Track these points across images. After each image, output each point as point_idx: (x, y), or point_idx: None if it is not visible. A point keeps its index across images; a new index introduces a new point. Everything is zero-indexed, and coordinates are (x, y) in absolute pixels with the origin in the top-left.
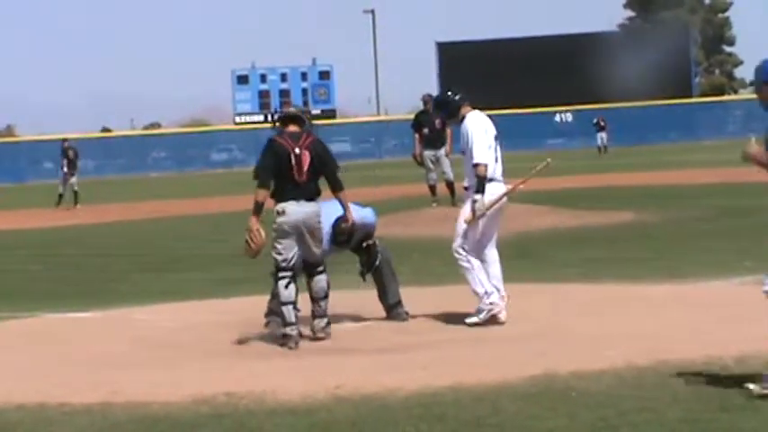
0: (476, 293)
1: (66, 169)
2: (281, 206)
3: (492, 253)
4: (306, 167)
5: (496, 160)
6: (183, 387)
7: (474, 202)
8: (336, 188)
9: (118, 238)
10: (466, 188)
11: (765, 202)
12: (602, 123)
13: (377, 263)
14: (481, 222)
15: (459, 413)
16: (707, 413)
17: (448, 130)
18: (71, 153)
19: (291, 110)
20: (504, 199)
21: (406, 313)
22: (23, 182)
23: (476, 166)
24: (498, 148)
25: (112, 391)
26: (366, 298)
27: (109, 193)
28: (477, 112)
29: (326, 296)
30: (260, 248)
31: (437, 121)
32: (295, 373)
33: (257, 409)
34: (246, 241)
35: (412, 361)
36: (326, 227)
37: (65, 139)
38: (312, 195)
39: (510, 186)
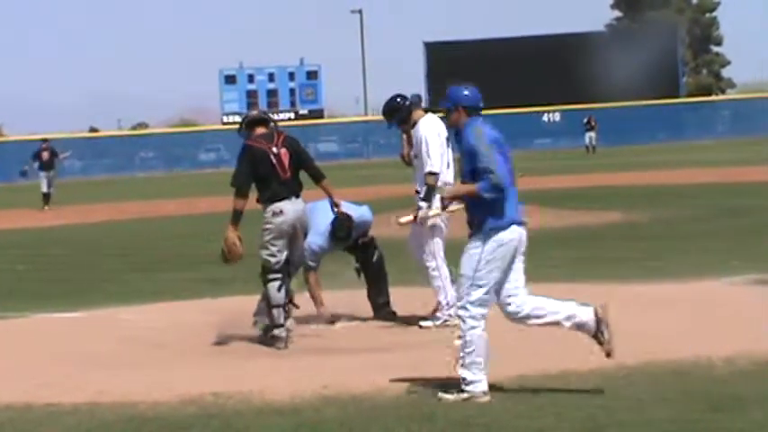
0: (438, 303)
1: (42, 170)
2: (277, 206)
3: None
4: (287, 164)
5: (447, 165)
6: (170, 387)
7: (418, 209)
8: (319, 178)
9: (105, 238)
10: (417, 192)
11: (754, 202)
12: (593, 123)
13: (374, 258)
14: (442, 227)
15: (448, 412)
16: (695, 413)
17: None
18: (45, 154)
19: (254, 112)
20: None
21: (393, 313)
22: (11, 182)
23: (427, 174)
24: (450, 151)
25: (100, 391)
26: (354, 297)
27: (96, 193)
28: (429, 115)
29: (284, 305)
30: (235, 260)
31: None
32: (283, 373)
33: (245, 409)
34: (222, 251)
35: (400, 360)
36: (325, 225)
37: (44, 140)
38: (298, 192)
39: (460, 206)
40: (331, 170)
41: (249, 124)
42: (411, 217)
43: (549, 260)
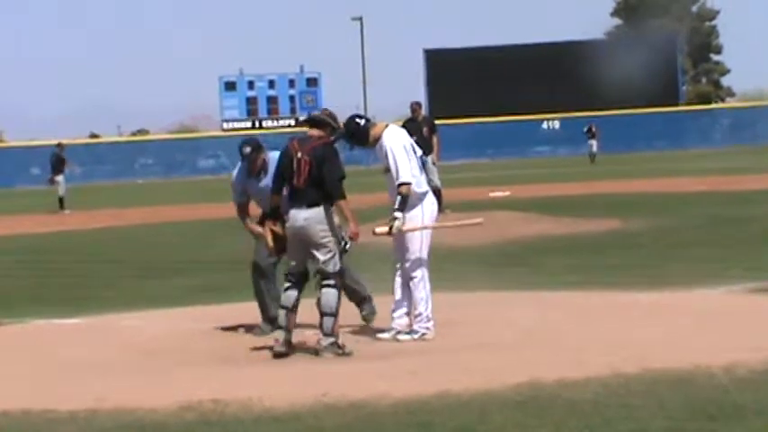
0: (417, 314)
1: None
2: (288, 213)
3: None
4: (305, 173)
5: (420, 171)
6: (169, 394)
7: (394, 219)
8: (334, 197)
9: (105, 244)
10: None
11: (753, 210)
12: (594, 130)
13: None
14: (425, 238)
15: (447, 421)
16: (693, 422)
17: (435, 138)
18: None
19: (314, 113)
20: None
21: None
22: (11, 187)
23: (400, 185)
24: (416, 158)
25: (99, 398)
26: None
27: (96, 199)
28: (391, 127)
29: (332, 314)
30: (279, 247)
31: (425, 129)
32: (282, 380)
33: (244, 416)
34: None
35: (399, 368)
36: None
37: (59, 145)
38: (313, 202)
39: (434, 224)
40: None
41: (307, 124)
42: (386, 228)
43: (548, 268)
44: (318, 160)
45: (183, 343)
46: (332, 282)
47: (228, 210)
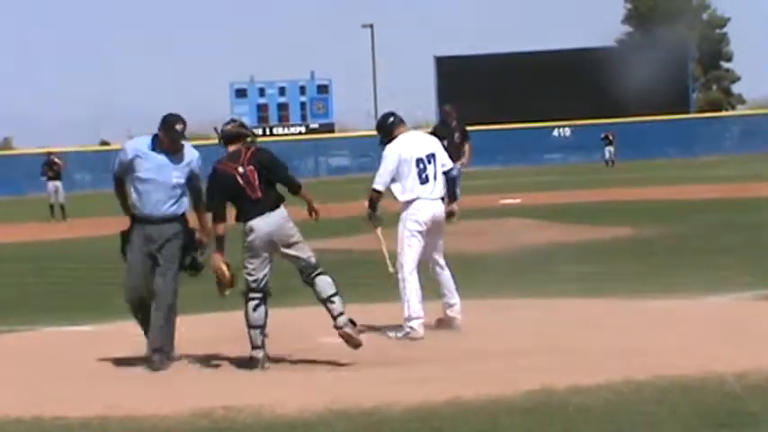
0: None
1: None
2: (248, 225)
3: (440, 262)
4: (257, 183)
5: (426, 180)
6: (181, 400)
7: (370, 216)
8: (295, 190)
9: (115, 251)
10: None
11: (764, 217)
12: (611, 138)
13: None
14: (406, 243)
15: (458, 427)
16: (705, 429)
17: (467, 145)
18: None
19: (228, 126)
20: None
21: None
22: (22, 195)
23: (372, 189)
24: (435, 167)
25: (110, 405)
26: (365, 311)
27: (106, 206)
28: (407, 136)
29: (336, 293)
30: (230, 285)
31: (456, 135)
32: (293, 387)
33: (255, 423)
34: (216, 282)
35: (410, 375)
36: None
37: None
38: (274, 205)
39: (380, 238)
40: (342, 184)
41: (225, 142)
42: (393, 269)
43: (560, 275)
44: (264, 166)
45: (194, 350)
46: (321, 269)
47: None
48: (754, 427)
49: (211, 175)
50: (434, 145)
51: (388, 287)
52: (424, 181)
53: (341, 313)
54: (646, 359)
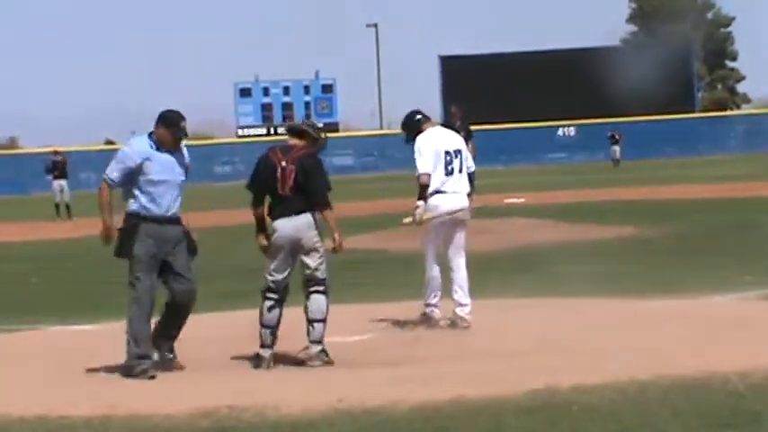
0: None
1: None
2: (274, 224)
3: (457, 261)
4: (290, 181)
5: (452, 172)
6: (184, 400)
7: (416, 208)
8: (318, 202)
9: None
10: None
11: (766, 217)
12: (617, 137)
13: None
14: (434, 230)
15: (462, 427)
16: (708, 428)
17: (471, 145)
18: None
19: (294, 123)
20: (458, 211)
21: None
22: (27, 194)
23: (418, 176)
24: (460, 161)
25: (113, 404)
26: (368, 311)
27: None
28: (435, 128)
29: (323, 320)
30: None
31: (461, 134)
32: (297, 387)
33: (259, 423)
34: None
35: (414, 374)
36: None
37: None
38: (300, 210)
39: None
40: (346, 184)
41: (288, 133)
42: (410, 218)
43: (562, 274)
44: (304, 169)
45: (198, 349)
46: (321, 288)
47: (244, 216)
48: (758, 426)
49: (259, 158)
50: (461, 143)
51: (389, 287)
52: (449, 173)
53: (317, 341)
54: (649, 359)
